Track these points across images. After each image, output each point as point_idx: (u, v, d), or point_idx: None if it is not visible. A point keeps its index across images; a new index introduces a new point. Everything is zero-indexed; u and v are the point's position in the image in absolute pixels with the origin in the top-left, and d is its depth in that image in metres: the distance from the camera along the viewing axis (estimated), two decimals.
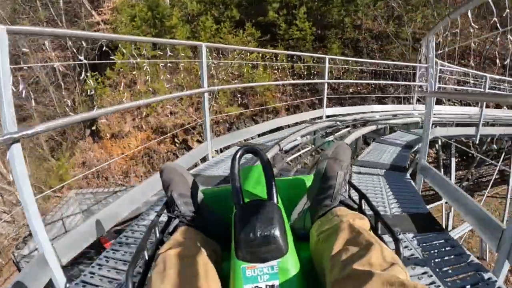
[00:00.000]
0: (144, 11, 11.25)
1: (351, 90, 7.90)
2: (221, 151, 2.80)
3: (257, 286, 0.54)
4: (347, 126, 3.84)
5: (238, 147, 0.70)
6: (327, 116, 4.40)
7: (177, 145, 9.52)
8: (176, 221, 0.73)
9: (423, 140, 1.93)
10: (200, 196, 0.80)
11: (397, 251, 0.57)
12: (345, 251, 0.55)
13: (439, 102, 7.44)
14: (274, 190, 0.64)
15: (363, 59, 7.65)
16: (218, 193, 0.90)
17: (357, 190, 0.77)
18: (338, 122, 3.97)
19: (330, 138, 3.39)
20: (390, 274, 0.47)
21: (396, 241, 0.58)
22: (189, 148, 9.37)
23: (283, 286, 0.54)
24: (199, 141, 9.05)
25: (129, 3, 12.53)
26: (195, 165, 2.35)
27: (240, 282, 0.54)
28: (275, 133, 3.46)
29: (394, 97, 7.65)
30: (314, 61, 7.63)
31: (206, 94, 2.37)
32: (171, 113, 9.53)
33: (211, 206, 0.80)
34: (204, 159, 2.47)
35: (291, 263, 0.56)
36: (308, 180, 0.85)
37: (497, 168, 6.23)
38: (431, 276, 0.93)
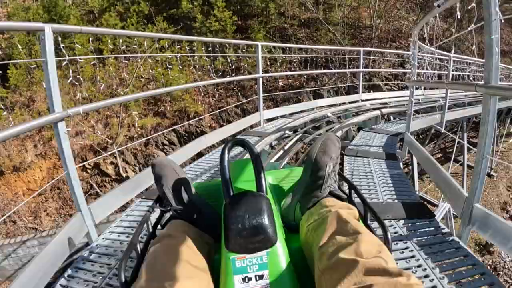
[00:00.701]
0: (39, 14, 9.30)
1: (281, 83, 6.87)
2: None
3: (247, 277, 0.54)
4: (299, 136, 2.85)
5: (228, 141, 0.69)
6: (266, 120, 3.24)
7: (89, 171, 7.74)
8: (168, 215, 0.73)
9: (475, 175, 1.09)
10: (191, 189, 0.78)
11: (386, 240, 0.57)
12: (333, 241, 0.55)
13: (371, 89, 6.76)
14: (263, 181, 0.63)
15: (319, 46, 6.66)
16: (210, 187, 0.90)
17: (347, 180, 0.77)
18: (287, 131, 2.94)
19: (284, 161, 2.39)
20: (375, 261, 0.47)
21: (384, 230, 0.58)
22: (102, 173, 7.63)
23: (272, 276, 0.54)
24: (113, 164, 7.39)
25: (23, 6, 10.40)
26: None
27: (230, 273, 0.54)
28: (201, 160, 2.18)
29: (331, 87, 6.79)
30: (244, 51, 6.49)
31: (61, 126, 1.18)
32: (77, 133, 7.72)
33: (203, 200, 0.79)
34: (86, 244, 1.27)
35: (280, 254, 0.56)
36: (298, 172, 0.82)
37: (456, 142, 5.74)
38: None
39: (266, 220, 0.56)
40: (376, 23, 8.29)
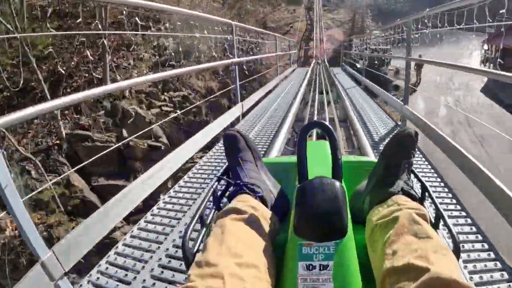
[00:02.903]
0: None
1: None
2: None
3: (311, 265, 0.51)
4: None
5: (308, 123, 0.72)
6: None
7: None
8: (235, 188, 0.70)
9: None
10: (261, 164, 0.78)
11: (455, 250, 0.55)
12: (403, 242, 0.53)
13: None
14: (340, 169, 0.62)
15: None
16: (280, 164, 0.89)
17: (421, 181, 0.75)
18: None
19: None
20: (447, 272, 0.44)
21: (455, 240, 0.58)
22: None
23: (337, 268, 0.51)
24: None
25: None
26: None
27: (295, 258, 0.52)
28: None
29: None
30: None
31: None
32: None
33: (272, 177, 0.78)
34: None
35: (348, 246, 0.53)
36: (372, 163, 0.80)
37: None
38: None
39: (340, 210, 0.53)
40: None
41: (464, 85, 13.23)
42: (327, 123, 0.67)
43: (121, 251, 1.15)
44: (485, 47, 17.96)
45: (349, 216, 0.59)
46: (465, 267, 1.05)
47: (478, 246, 1.16)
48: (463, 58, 18.63)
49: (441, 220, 0.64)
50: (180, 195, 1.56)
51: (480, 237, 1.21)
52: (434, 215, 0.66)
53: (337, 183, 0.56)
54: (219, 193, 0.74)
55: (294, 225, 0.55)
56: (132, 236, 1.23)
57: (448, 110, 10.86)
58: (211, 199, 0.71)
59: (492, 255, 1.12)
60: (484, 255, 1.11)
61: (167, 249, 1.14)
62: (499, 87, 12.34)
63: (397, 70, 15.97)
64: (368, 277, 0.57)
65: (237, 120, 2.96)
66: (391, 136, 0.77)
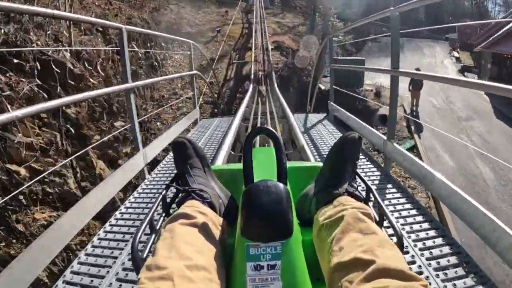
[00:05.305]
0: None
1: None
2: None
3: (259, 265, 0.54)
4: None
5: (253, 128, 0.80)
6: None
7: None
8: (184, 195, 0.72)
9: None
10: (209, 171, 0.81)
11: (399, 245, 0.58)
12: (349, 239, 0.56)
13: None
14: (284, 173, 0.65)
15: None
16: (228, 171, 0.92)
17: (364, 182, 0.79)
18: None
19: None
20: (392, 263, 0.48)
21: (398, 235, 0.60)
22: None
23: (284, 268, 0.54)
24: None
25: None
26: None
27: (243, 259, 0.55)
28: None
29: None
30: None
31: None
32: None
33: (220, 183, 0.81)
34: None
35: (294, 246, 0.57)
36: (318, 167, 0.84)
37: None
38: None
39: (285, 211, 0.55)
40: None
41: (471, 108, 9.54)
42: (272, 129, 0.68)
43: (77, 270, 1.18)
44: (455, 54, 16.50)
45: (295, 216, 0.62)
46: (415, 245, 1.18)
47: (425, 225, 1.31)
48: (436, 67, 14.99)
49: (384, 217, 0.67)
50: (131, 210, 1.60)
51: (426, 218, 1.36)
52: (378, 213, 0.69)
53: (281, 185, 0.58)
54: (168, 200, 0.76)
55: (241, 227, 0.56)
56: (87, 254, 1.27)
57: (495, 173, 6.28)
58: (160, 205, 0.72)
59: (440, 232, 1.25)
60: (432, 232, 1.25)
61: (123, 263, 1.19)
62: (504, 105, 9.22)
63: (378, 90, 10.35)
64: (316, 274, 0.60)
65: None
66: (336, 140, 0.80)
